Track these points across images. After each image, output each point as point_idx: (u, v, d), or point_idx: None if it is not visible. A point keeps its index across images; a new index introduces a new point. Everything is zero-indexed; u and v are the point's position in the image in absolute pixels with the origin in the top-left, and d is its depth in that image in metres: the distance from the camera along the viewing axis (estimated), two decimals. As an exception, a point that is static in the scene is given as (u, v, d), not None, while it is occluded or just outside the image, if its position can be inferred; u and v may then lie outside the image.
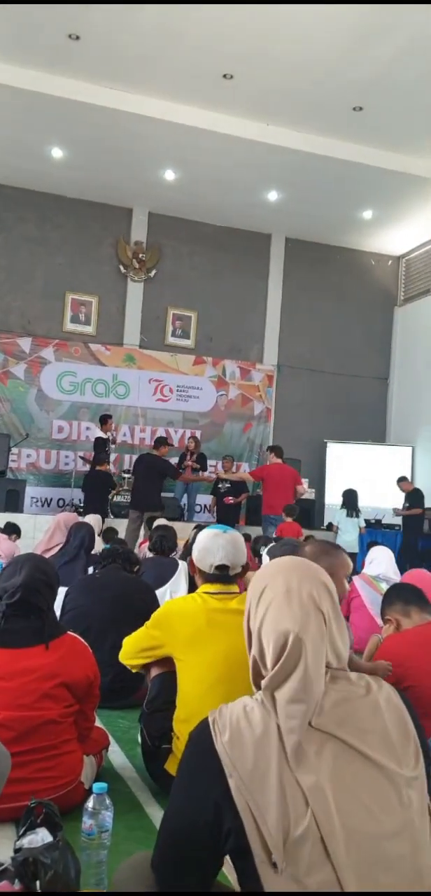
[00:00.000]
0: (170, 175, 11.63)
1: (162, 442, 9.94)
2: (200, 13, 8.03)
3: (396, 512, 11.63)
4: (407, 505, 11.36)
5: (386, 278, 14.57)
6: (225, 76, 9.30)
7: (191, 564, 3.00)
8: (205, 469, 12.00)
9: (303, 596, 1.44)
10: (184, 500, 12.23)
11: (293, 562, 1.53)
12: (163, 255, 13.18)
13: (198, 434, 13.18)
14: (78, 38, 8.68)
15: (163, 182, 11.84)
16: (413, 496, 11.41)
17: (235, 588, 2.92)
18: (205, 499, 12.84)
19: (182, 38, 8.52)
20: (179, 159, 11.14)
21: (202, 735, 1.40)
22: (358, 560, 8.77)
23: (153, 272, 13.11)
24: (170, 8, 7.97)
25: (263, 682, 1.42)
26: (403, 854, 1.30)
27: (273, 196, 12.12)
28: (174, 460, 11.34)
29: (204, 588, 2.91)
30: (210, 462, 13.20)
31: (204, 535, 2.98)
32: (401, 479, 11.66)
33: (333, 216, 12.78)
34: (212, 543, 2.89)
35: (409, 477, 12.71)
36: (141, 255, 12.98)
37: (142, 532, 9.26)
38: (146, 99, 9.86)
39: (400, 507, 11.43)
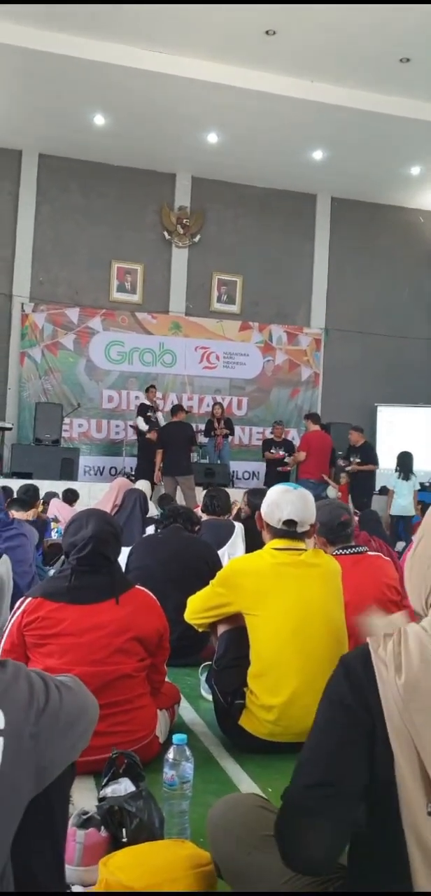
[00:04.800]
0: (212, 138, 11.48)
1: (178, 409, 10.89)
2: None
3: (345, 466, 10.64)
4: (358, 460, 10.49)
5: (436, 235, 14.23)
6: (267, 32, 9.10)
7: (259, 519, 2.97)
8: (232, 433, 12.18)
9: None
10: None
11: None
12: (206, 220, 13.06)
13: (244, 401, 13.19)
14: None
15: (205, 145, 11.69)
16: (365, 450, 10.58)
17: (302, 545, 2.89)
18: (253, 465, 12.80)
19: (223, -7, 8.36)
20: (222, 121, 10.98)
21: (366, 668, 1.26)
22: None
23: (197, 237, 13.00)
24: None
25: None
26: None
27: (318, 155, 11.88)
28: (201, 427, 11.96)
29: (271, 544, 2.90)
30: (257, 429, 13.18)
31: (274, 490, 2.97)
32: (354, 429, 10.78)
33: (380, 173, 12.47)
34: (282, 498, 2.88)
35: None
36: (185, 221, 12.88)
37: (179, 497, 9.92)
38: (186, 60, 9.70)
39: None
